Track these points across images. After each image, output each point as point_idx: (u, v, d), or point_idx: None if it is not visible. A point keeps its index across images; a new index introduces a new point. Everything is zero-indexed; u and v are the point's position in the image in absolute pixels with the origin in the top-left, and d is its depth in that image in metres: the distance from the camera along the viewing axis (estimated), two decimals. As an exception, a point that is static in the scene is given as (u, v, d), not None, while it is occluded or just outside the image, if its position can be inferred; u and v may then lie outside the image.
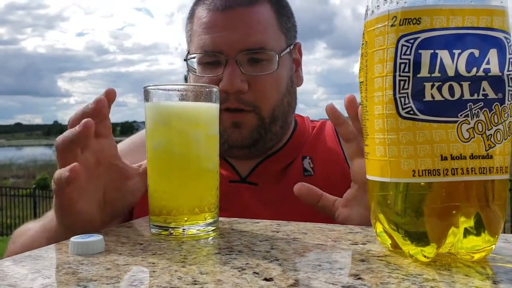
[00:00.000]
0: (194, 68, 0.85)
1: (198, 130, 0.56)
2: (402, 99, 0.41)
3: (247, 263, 0.41)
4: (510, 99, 0.42)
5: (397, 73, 0.41)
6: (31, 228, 0.78)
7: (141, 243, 0.50)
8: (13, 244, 0.80)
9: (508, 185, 0.44)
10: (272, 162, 0.88)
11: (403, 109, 0.41)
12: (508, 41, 0.42)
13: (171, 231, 0.54)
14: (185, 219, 0.54)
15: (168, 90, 0.57)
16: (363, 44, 0.46)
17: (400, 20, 0.41)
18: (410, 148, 0.41)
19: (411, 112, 0.41)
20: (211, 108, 0.57)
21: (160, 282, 0.37)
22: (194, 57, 0.84)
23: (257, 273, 0.39)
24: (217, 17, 0.82)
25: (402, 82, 0.41)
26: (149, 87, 0.56)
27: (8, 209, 10.81)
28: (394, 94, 0.42)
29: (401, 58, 0.41)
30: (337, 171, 0.86)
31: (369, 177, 0.46)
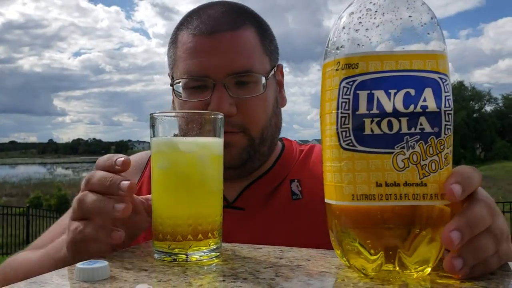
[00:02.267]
0: (180, 93, 0.85)
1: (204, 150, 0.58)
2: (344, 133, 0.48)
3: None
4: (446, 133, 0.47)
5: (339, 111, 0.48)
6: (30, 257, 0.79)
7: (146, 269, 0.52)
8: (9, 272, 0.81)
9: (445, 211, 0.48)
10: (260, 186, 0.89)
11: (344, 141, 0.48)
12: (444, 81, 0.47)
13: (175, 257, 0.55)
14: (190, 245, 0.55)
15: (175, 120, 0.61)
16: (321, 82, 0.53)
17: (342, 65, 0.48)
18: (350, 175, 0.47)
19: (351, 144, 0.47)
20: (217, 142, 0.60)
21: None
22: (179, 82, 0.85)
23: None
24: (203, 41, 0.82)
25: (343, 118, 0.48)
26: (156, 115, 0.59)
27: (1, 228, 10.76)
28: (337, 129, 0.48)
29: (342, 98, 0.48)
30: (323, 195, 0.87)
31: (325, 200, 0.52)
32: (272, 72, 0.88)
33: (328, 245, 0.67)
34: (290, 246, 0.65)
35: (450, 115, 0.48)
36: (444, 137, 0.47)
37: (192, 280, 0.48)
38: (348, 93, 0.47)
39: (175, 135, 0.59)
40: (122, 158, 0.61)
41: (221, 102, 0.80)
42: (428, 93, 0.47)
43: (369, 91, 0.47)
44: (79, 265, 0.49)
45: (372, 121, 0.47)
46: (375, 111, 0.47)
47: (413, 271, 0.47)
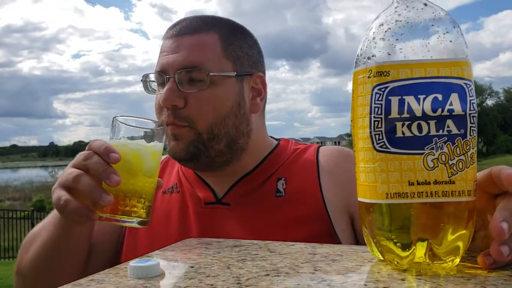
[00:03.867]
0: (154, 89, 0.96)
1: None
2: (377, 136, 0.52)
3: (298, 284, 0.47)
4: (472, 134, 0.51)
5: (372, 115, 0.52)
6: (35, 231, 0.92)
7: (192, 266, 0.56)
8: (26, 252, 0.91)
9: (471, 206, 0.52)
10: (246, 182, 0.95)
11: (377, 143, 0.51)
12: (468, 86, 0.51)
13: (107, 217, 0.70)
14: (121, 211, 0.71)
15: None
16: (352, 89, 0.57)
17: (374, 73, 0.52)
18: (384, 175, 0.51)
19: (384, 146, 0.51)
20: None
21: None
22: (153, 79, 0.96)
23: None
24: (167, 43, 0.93)
25: (376, 122, 0.51)
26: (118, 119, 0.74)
27: (6, 232, 10.76)
28: (370, 132, 0.52)
29: (375, 103, 0.51)
30: (307, 194, 0.92)
31: (359, 198, 0.56)
32: (232, 74, 0.92)
33: (306, 241, 0.71)
34: (271, 239, 0.72)
35: (474, 118, 0.51)
36: (469, 138, 0.51)
37: (239, 274, 0.52)
38: (380, 98, 0.51)
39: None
40: (117, 156, 0.70)
41: (168, 94, 0.88)
42: (454, 97, 0.51)
43: (400, 97, 0.51)
44: (132, 263, 0.53)
45: (403, 125, 0.51)
46: (405, 115, 0.51)
47: (443, 261, 0.51)
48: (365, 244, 0.71)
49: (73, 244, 0.86)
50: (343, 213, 0.91)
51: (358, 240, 0.91)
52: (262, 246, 0.66)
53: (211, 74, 0.89)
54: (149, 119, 0.79)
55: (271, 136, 1.06)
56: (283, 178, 0.95)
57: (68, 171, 0.74)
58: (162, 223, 0.96)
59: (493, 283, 0.46)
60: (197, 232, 0.91)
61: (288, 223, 0.89)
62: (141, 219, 0.72)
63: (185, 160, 0.93)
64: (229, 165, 0.95)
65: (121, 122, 0.73)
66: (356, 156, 0.55)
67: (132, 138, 0.73)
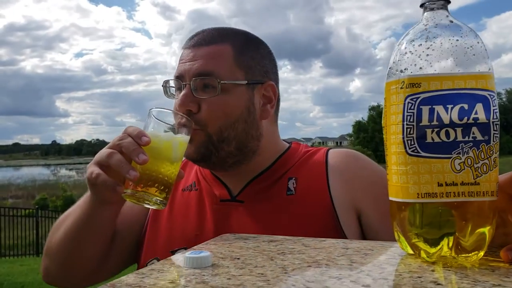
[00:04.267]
0: (173, 93, 1.03)
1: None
2: (409, 141, 0.57)
3: (340, 273, 0.52)
4: (494, 140, 0.57)
5: (405, 122, 0.57)
6: (64, 215, 1.00)
7: (238, 258, 0.62)
8: (54, 234, 1.00)
9: (494, 205, 0.57)
10: (259, 181, 1.02)
11: (409, 148, 0.57)
12: (492, 97, 0.57)
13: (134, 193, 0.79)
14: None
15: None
16: (384, 98, 0.62)
17: (407, 84, 0.57)
18: (415, 177, 0.57)
19: (415, 150, 0.57)
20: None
21: (287, 287, 0.50)
22: (172, 84, 1.03)
23: (354, 281, 0.49)
24: (185, 52, 1.01)
25: (408, 129, 0.57)
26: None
27: (9, 229, 10.81)
28: (403, 137, 0.57)
29: (407, 112, 0.57)
30: (316, 192, 0.98)
31: (390, 198, 0.61)
32: (243, 82, 0.99)
33: (314, 235, 0.78)
34: (283, 234, 0.78)
35: (497, 125, 0.57)
36: (493, 143, 0.56)
37: (282, 265, 0.57)
38: (412, 107, 0.57)
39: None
40: (147, 139, 0.80)
41: (182, 99, 0.95)
42: (479, 107, 0.56)
43: (430, 106, 0.56)
44: (187, 255, 0.58)
45: (432, 131, 0.56)
46: (435, 122, 0.56)
47: (469, 254, 0.56)
48: (375, 239, 0.76)
49: (99, 225, 0.94)
50: (349, 209, 0.97)
51: (363, 235, 0.97)
52: (296, 242, 0.72)
53: (222, 81, 0.96)
54: (179, 113, 0.89)
55: (283, 140, 1.13)
56: (293, 178, 1.01)
57: (104, 151, 0.84)
58: (181, 217, 1.03)
59: (515, 274, 0.51)
60: (213, 227, 0.98)
61: (298, 219, 0.96)
62: (160, 199, 0.80)
63: (197, 160, 1.00)
64: (241, 165, 1.02)
65: (154, 115, 0.83)
66: (388, 159, 0.61)
67: (162, 128, 0.83)
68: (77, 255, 0.96)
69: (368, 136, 63.28)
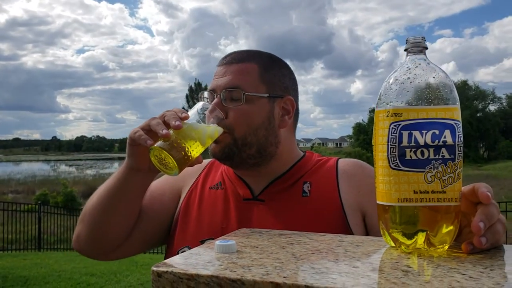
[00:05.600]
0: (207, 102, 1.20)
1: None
2: (392, 158, 0.73)
3: (337, 259, 0.72)
4: (459, 158, 0.73)
5: (389, 143, 0.74)
6: (100, 187, 1.16)
7: (257, 247, 0.76)
8: (90, 199, 1.16)
9: (457, 209, 0.74)
10: (278, 184, 1.19)
11: (392, 163, 0.73)
12: (457, 125, 0.73)
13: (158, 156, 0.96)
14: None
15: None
16: (374, 122, 0.78)
17: (391, 113, 0.74)
18: (396, 186, 0.73)
19: (397, 165, 0.73)
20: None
21: (297, 268, 0.65)
22: (206, 96, 1.21)
23: (348, 264, 0.67)
24: (219, 69, 1.19)
25: (392, 148, 0.73)
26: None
27: (10, 224, 10.99)
28: (387, 155, 0.74)
29: (391, 135, 0.73)
30: (328, 195, 1.15)
31: (377, 201, 0.78)
32: (265, 95, 1.17)
33: (324, 230, 0.94)
34: (298, 230, 0.93)
35: (461, 147, 0.73)
36: (457, 161, 0.73)
37: (292, 252, 0.74)
38: (395, 132, 0.73)
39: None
40: (186, 115, 0.98)
41: (213, 107, 1.11)
42: (447, 132, 0.72)
43: (409, 131, 0.72)
44: (218, 242, 0.75)
45: (410, 150, 0.72)
46: (412, 144, 0.72)
47: (437, 247, 0.73)
48: (376, 236, 0.93)
49: (129, 192, 1.10)
50: (356, 211, 1.13)
51: (368, 233, 1.13)
52: (302, 236, 0.88)
53: (246, 93, 1.14)
54: (220, 110, 1.07)
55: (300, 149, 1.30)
56: (308, 182, 1.19)
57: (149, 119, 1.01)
58: (209, 212, 1.20)
59: (469, 261, 0.68)
60: (236, 221, 1.15)
61: (312, 218, 1.13)
62: (176, 165, 0.95)
63: (221, 158, 1.17)
64: (260, 167, 1.19)
65: (197, 106, 1.04)
66: (376, 171, 0.77)
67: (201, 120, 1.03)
68: (107, 223, 1.12)
69: (368, 138, 63.39)
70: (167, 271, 0.64)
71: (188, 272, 0.63)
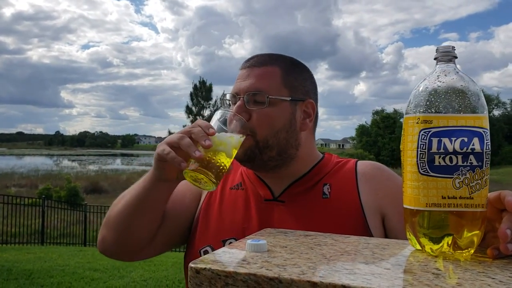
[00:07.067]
0: (229, 104, 1.23)
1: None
2: (421, 163, 0.75)
3: (366, 260, 0.74)
4: (486, 166, 0.75)
5: (419, 149, 0.76)
6: (125, 192, 1.17)
7: (286, 246, 0.79)
8: (114, 207, 1.17)
9: (483, 215, 0.76)
10: (298, 185, 1.21)
11: (421, 169, 0.75)
12: (486, 133, 0.75)
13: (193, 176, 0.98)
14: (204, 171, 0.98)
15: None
16: (403, 128, 0.80)
17: (421, 120, 0.76)
18: (425, 191, 0.75)
19: (426, 171, 0.75)
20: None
21: (330, 268, 0.68)
22: (228, 98, 1.24)
23: (378, 266, 0.71)
24: (241, 72, 1.21)
25: (421, 154, 0.75)
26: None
27: (13, 217, 11.00)
28: (417, 160, 0.76)
29: (421, 141, 0.75)
30: (348, 197, 1.17)
31: (404, 205, 0.80)
32: (288, 99, 1.19)
33: (344, 232, 0.96)
34: (319, 231, 0.95)
35: (489, 154, 0.75)
36: (485, 168, 0.75)
37: (322, 253, 0.76)
38: (425, 138, 0.75)
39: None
40: (213, 130, 0.99)
41: (237, 109, 1.15)
42: (475, 140, 0.74)
43: (438, 138, 0.75)
44: (249, 241, 0.77)
45: (439, 157, 0.75)
46: (442, 150, 0.74)
47: (463, 251, 0.75)
48: (395, 238, 0.95)
49: (155, 200, 1.12)
50: (376, 213, 1.15)
51: (386, 235, 1.15)
52: (327, 237, 0.90)
53: (270, 97, 1.16)
54: (240, 116, 1.08)
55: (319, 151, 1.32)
56: (328, 184, 1.21)
57: (174, 135, 1.01)
58: (230, 212, 1.22)
59: (496, 266, 0.70)
60: (258, 221, 1.17)
61: (333, 219, 1.14)
62: (214, 181, 0.98)
63: (243, 160, 1.19)
64: (281, 169, 1.21)
65: (218, 116, 1.06)
66: (404, 176, 0.79)
67: (222, 129, 1.04)
68: (132, 228, 1.14)
69: (371, 140, 63.44)
70: (205, 268, 0.66)
71: (226, 270, 0.65)
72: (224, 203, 1.23)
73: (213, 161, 0.98)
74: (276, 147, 1.17)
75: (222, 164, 0.99)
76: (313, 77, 1.29)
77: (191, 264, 0.67)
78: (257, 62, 1.21)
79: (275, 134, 1.17)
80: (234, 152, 1.04)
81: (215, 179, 0.98)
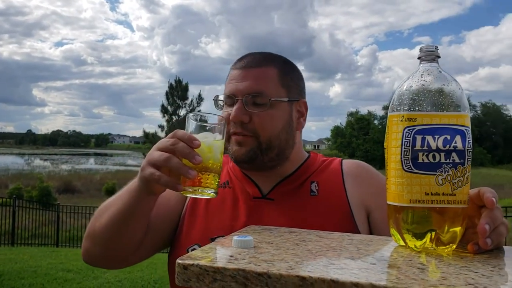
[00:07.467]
0: (222, 105, 1.22)
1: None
2: (405, 160, 0.77)
3: (352, 256, 0.75)
4: (468, 163, 0.77)
5: (403, 147, 0.77)
6: (108, 202, 1.14)
7: (271, 242, 0.79)
8: (99, 218, 1.12)
9: (465, 211, 0.77)
10: (286, 183, 1.22)
11: (405, 166, 0.77)
12: (467, 131, 0.77)
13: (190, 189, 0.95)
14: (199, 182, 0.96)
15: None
16: (387, 125, 0.82)
17: (405, 118, 0.77)
18: (409, 188, 0.76)
19: (410, 168, 0.76)
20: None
21: (318, 263, 0.68)
22: (221, 99, 1.22)
23: (364, 261, 0.72)
24: (236, 73, 1.19)
25: (405, 151, 0.77)
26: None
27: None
28: (401, 158, 0.77)
29: (405, 139, 0.77)
30: (335, 194, 1.19)
31: (388, 202, 0.81)
32: (285, 99, 1.19)
33: (333, 228, 0.99)
34: (307, 228, 0.96)
35: (470, 152, 0.77)
36: (466, 166, 0.77)
37: (308, 249, 0.76)
38: (409, 136, 0.76)
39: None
40: (198, 142, 0.94)
41: (236, 112, 1.14)
42: (458, 138, 0.76)
43: (422, 136, 0.76)
44: (236, 237, 0.77)
45: (423, 154, 0.76)
46: (425, 148, 0.76)
47: (445, 246, 0.76)
48: (379, 233, 0.96)
49: (142, 213, 1.10)
50: (361, 209, 1.18)
51: (371, 231, 1.17)
52: (311, 233, 0.91)
53: (272, 99, 1.17)
54: (213, 114, 1.05)
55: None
56: (315, 182, 1.22)
57: (158, 153, 0.96)
58: (218, 211, 1.21)
59: (477, 261, 0.72)
60: (246, 219, 1.17)
61: (321, 216, 1.16)
62: (214, 190, 0.97)
63: (244, 161, 1.18)
64: (275, 169, 1.22)
65: (192, 119, 1.00)
66: (388, 173, 0.81)
67: (200, 130, 0.99)
68: (119, 240, 1.12)
69: (345, 141, 64.18)
70: (193, 263, 0.66)
71: (214, 265, 0.65)
72: (211, 202, 1.22)
73: (208, 172, 0.96)
74: (277, 148, 1.19)
75: (216, 169, 0.98)
76: (302, 75, 1.30)
77: (178, 260, 0.67)
78: (252, 62, 1.20)
79: (277, 135, 1.18)
80: (222, 153, 1.03)
81: (214, 187, 0.97)
